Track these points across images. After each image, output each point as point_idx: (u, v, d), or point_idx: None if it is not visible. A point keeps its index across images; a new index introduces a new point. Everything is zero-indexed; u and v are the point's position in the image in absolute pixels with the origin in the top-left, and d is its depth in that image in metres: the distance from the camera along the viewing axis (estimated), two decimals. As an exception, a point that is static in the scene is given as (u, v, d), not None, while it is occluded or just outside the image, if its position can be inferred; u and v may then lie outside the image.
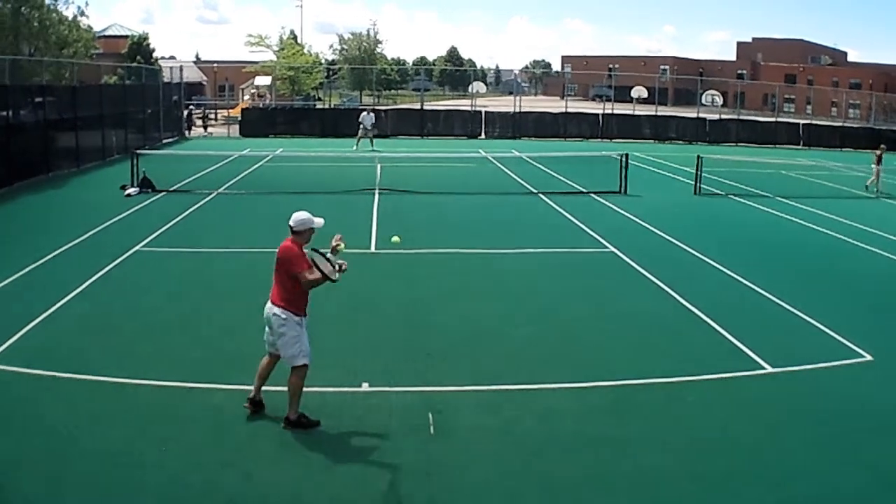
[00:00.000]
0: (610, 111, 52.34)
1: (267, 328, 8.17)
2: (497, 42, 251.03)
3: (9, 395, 8.77)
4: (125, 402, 8.62)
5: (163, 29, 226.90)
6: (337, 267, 8.07)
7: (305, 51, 73.62)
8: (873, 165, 28.28)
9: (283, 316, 7.90)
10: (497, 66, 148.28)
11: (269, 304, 8.07)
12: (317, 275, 7.93)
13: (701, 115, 52.52)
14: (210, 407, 8.59)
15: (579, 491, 7.18)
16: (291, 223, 8.30)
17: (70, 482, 6.99)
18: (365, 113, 39.65)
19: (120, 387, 8.98)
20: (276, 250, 8.26)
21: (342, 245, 8.46)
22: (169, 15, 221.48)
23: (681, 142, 47.60)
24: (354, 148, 36.26)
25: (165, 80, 42.80)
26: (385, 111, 49.47)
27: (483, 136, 46.85)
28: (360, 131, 37.84)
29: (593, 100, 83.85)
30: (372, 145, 36.97)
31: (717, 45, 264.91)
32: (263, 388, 8.55)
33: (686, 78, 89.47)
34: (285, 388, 8.23)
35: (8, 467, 7.21)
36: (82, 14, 44.52)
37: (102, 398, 8.71)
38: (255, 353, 10.06)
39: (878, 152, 28.22)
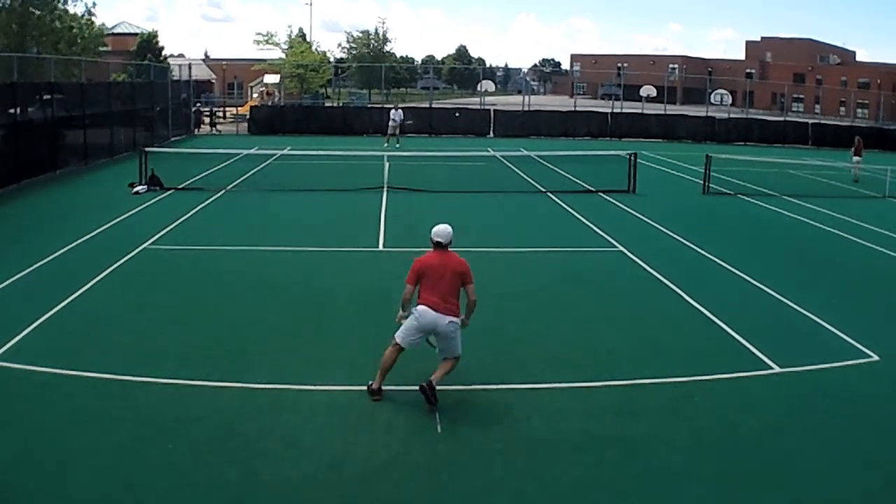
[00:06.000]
0: (619, 110, 52.29)
1: (420, 332, 8.69)
2: (504, 40, 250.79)
3: (14, 392, 8.80)
4: (131, 400, 8.63)
5: (167, 26, 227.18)
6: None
7: (313, 49, 73.70)
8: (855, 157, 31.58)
9: (456, 322, 8.68)
10: (506, 65, 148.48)
11: (436, 315, 8.54)
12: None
13: (710, 114, 52.46)
14: (217, 405, 8.60)
15: (586, 491, 7.17)
16: (444, 239, 8.93)
17: (75, 480, 7.01)
18: (393, 109, 39.97)
19: (126, 385, 9.00)
20: (441, 262, 8.81)
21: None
22: (173, 13, 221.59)
23: (689, 141, 47.45)
24: (385, 144, 36.52)
25: (174, 77, 42.86)
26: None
27: (492, 134, 46.79)
28: (389, 128, 38.53)
29: (602, 98, 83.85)
30: (398, 142, 37.15)
31: (724, 44, 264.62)
32: (262, 388, 8.79)
33: (695, 77, 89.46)
34: (285, 387, 8.60)
35: (13, 465, 7.23)
36: (90, 13, 44.78)
37: (108, 396, 8.72)
38: (262, 352, 10.15)
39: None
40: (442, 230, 8.91)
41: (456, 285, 8.68)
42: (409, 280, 8.72)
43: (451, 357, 8.75)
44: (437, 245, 8.84)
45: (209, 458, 7.46)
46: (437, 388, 8.53)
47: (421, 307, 8.58)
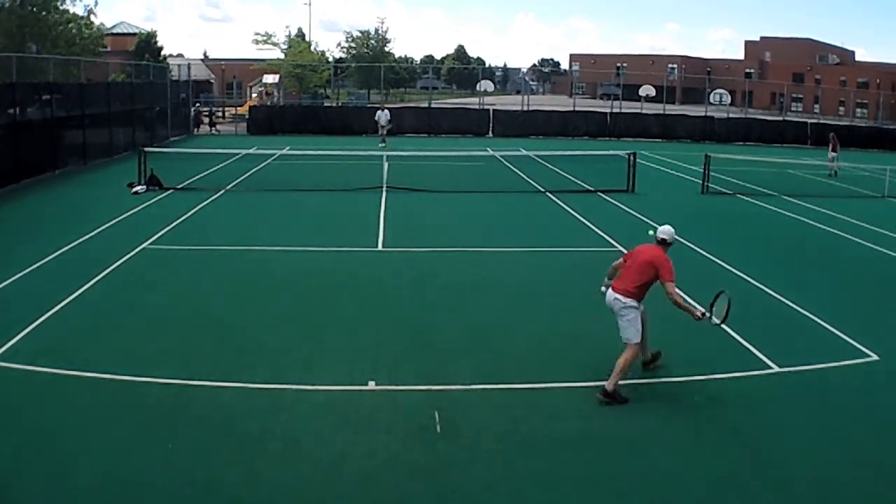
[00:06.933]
0: (618, 110, 52.26)
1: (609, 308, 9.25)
2: (503, 40, 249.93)
3: (14, 393, 8.80)
4: (131, 401, 8.64)
5: (166, 27, 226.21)
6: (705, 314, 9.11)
7: (312, 49, 73.74)
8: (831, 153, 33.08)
9: (625, 302, 8.96)
10: (505, 65, 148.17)
11: (612, 293, 9.17)
12: (683, 301, 9.14)
13: (709, 113, 52.46)
14: (217, 405, 8.61)
15: (585, 490, 7.17)
16: (665, 236, 9.37)
17: (74, 480, 7.01)
18: (379, 110, 40.05)
19: (126, 385, 9.00)
20: (642, 251, 9.32)
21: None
22: (171, 13, 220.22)
23: (689, 141, 47.44)
24: (380, 144, 36.63)
25: (173, 77, 42.83)
26: (393, 109, 49.49)
27: (491, 134, 46.78)
28: (378, 129, 38.81)
29: (601, 98, 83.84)
30: (384, 142, 37.14)
31: (722, 44, 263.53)
32: (262, 387, 8.74)
33: (694, 77, 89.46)
34: (284, 387, 8.85)
35: (12, 466, 7.23)
36: (91, 13, 44.85)
37: (108, 396, 8.73)
38: (261, 352, 10.15)
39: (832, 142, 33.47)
40: (662, 227, 9.51)
41: (641, 274, 9.02)
42: (624, 256, 9.57)
43: (625, 342, 9.01)
44: (659, 242, 9.36)
45: (209, 458, 7.46)
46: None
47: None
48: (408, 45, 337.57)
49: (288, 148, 32.78)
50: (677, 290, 8.97)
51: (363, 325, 11.39)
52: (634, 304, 9.00)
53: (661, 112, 52.27)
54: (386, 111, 40.37)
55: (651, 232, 9.51)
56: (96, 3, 53.77)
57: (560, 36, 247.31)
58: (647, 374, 9.68)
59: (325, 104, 60.96)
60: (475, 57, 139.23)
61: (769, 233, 19.52)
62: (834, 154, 32.93)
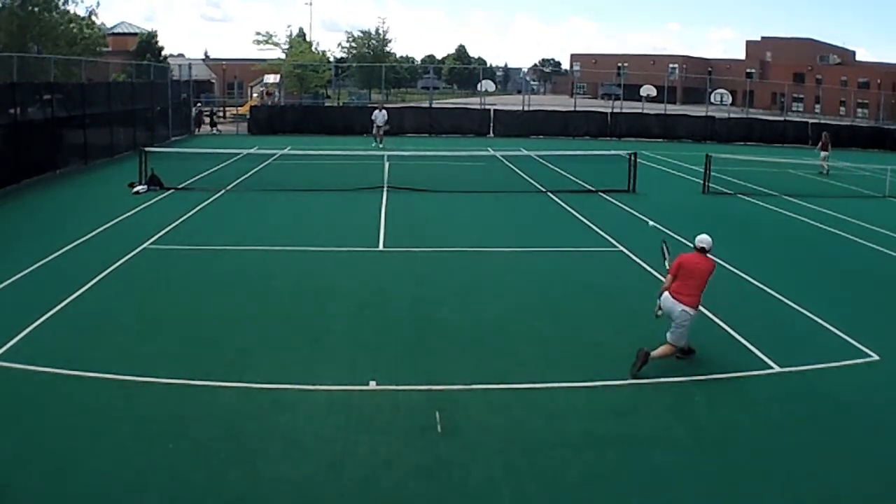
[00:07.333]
0: (619, 110, 52.24)
1: (664, 312, 10.11)
2: (504, 40, 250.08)
3: (14, 393, 8.80)
4: (131, 401, 8.64)
5: (166, 26, 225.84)
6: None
7: (313, 49, 73.70)
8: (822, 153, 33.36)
9: (691, 314, 9.80)
10: (506, 65, 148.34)
11: (674, 302, 9.88)
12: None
13: (710, 113, 52.41)
14: (218, 405, 8.61)
15: (586, 490, 7.17)
16: (707, 245, 10.21)
17: (75, 480, 7.01)
18: (377, 110, 39.85)
19: (126, 385, 9.00)
20: (698, 262, 10.02)
21: None
22: (171, 13, 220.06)
23: (689, 140, 47.41)
24: (379, 145, 36.43)
25: (174, 77, 42.79)
26: (394, 109, 49.42)
27: (492, 134, 46.75)
28: (374, 129, 38.39)
29: (602, 98, 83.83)
30: (381, 143, 37.08)
31: (723, 44, 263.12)
32: (262, 387, 8.76)
33: (695, 77, 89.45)
34: (285, 387, 8.98)
35: (12, 465, 7.24)
36: (93, 14, 44.92)
37: (108, 396, 8.73)
38: (262, 352, 10.15)
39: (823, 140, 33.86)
40: (704, 238, 10.27)
41: (703, 283, 9.90)
42: (671, 271, 10.09)
43: (669, 341, 9.87)
44: (701, 250, 10.13)
45: (209, 458, 7.46)
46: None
47: (666, 294, 9.96)
48: (408, 45, 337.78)
49: (289, 148, 32.77)
50: None
51: (364, 324, 11.40)
52: (695, 314, 9.93)
53: (662, 112, 52.23)
54: (384, 111, 39.82)
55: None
56: (98, 4, 53.60)
57: (560, 36, 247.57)
58: (648, 373, 9.67)
59: (326, 104, 60.91)
60: (476, 57, 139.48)
61: (770, 233, 19.50)
62: (826, 153, 33.24)
